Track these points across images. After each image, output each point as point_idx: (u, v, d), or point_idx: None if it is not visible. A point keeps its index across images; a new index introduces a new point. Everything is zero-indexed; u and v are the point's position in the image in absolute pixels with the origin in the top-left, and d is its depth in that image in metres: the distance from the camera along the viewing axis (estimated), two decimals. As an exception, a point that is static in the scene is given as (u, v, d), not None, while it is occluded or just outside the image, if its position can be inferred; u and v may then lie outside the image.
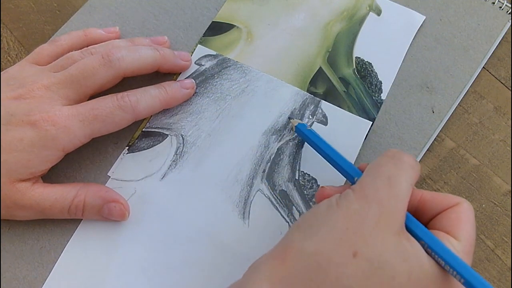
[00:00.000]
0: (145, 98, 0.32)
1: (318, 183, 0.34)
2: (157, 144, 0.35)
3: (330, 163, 0.30)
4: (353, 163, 0.34)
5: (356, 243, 0.23)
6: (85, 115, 0.30)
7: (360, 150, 0.35)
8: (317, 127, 0.35)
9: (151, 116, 0.36)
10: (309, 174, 0.34)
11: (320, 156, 0.31)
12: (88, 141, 0.31)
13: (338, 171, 0.30)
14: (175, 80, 0.37)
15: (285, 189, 0.34)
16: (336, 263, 0.23)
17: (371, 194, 0.24)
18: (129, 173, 0.34)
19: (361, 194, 0.25)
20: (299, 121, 0.34)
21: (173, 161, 0.34)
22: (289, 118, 0.35)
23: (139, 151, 0.35)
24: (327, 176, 0.34)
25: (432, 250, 0.24)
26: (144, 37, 0.37)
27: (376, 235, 0.23)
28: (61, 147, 0.30)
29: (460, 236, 0.25)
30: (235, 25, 0.39)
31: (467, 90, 0.38)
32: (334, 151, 0.31)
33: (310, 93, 0.37)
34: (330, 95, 0.37)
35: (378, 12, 0.40)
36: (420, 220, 0.26)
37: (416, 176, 0.26)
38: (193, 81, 0.36)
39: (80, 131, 0.30)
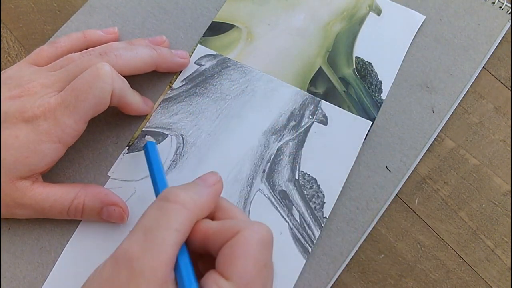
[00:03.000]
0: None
1: (318, 183, 0.34)
2: (157, 144, 0.35)
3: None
4: (352, 163, 0.34)
5: None
6: (69, 99, 0.29)
7: (360, 150, 0.35)
8: (317, 127, 0.35)
9: (151, 116, 0.36)
10: (309, 174, 0.34)
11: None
12: (84, 128, 0.31)
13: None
14: (175, 79, 0.37)
15: (285, 189, 0.34)
16: None
17: (121, 255, 0.22)
18: (129, 173, 0.34)
19: (114, 257, 0.22)
20: (151, 139, 0.33)
21: (173, 161, 0.34)
22: (146, 134, 0.33)
23: (139, 151, 0.34)
24: (327, 176, 0.34)
25: None
26: (143, 38, 0.37)
27: None
28: (56, 139, 0.29)
29: (231, 274, 0.22)
30: (235, 25, 0.39)
31: (467, 90, 0.37)
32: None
33: (310, 93, 0.37)
34: (330, 95, 0.37)
35: (378, 12, 0.40)
36: (211, 258, 0.24)
37: (194, 214, 0.24)
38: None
39: (69, 118, 0.29)
